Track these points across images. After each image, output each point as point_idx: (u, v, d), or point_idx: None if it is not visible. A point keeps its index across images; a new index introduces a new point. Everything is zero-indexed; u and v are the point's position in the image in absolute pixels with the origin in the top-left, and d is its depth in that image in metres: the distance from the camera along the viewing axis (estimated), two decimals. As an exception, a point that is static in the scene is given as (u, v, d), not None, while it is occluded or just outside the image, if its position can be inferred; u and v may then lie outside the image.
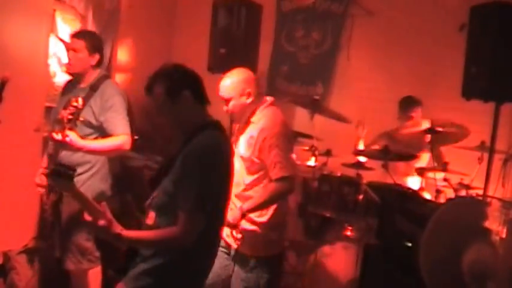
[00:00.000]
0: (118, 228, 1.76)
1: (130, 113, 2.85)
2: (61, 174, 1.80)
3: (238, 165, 2.48)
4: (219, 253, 2.55)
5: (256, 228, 2.53)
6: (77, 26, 4.03)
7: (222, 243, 2.53)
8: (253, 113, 2.57)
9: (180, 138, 1.96)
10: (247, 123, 2.59)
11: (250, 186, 2.54)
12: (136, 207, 2.01)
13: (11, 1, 3.38)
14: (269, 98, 2.65)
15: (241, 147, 2.57)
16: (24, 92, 3.26)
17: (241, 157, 2.54)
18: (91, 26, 4.25)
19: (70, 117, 2.47)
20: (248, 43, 3.67)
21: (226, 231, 2.51)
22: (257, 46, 3.77)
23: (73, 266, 2.85)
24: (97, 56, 2.83)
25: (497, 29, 2.62)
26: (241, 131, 2.62)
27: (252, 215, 2.50)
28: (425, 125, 3.17)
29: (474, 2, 2.87)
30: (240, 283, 2.56)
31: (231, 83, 2.53)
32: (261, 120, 2.55)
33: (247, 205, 2.45)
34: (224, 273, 2.61)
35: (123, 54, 4.76)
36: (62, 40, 3.94)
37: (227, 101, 2.53)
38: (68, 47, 2.87)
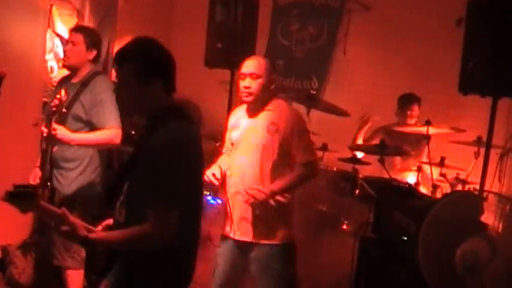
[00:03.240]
0: (83, 232, 1.66)
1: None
2: (21, 196, 1.66)
3: (247, 156, 2.50)
4: (230, 253, 2.58)
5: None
6: (73, 22, 4.02)
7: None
8: (267, 101, 2.56)
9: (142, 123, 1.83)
10: (261, 110, 2.55)
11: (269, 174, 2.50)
12: (108, 204, 1.87)
13: (7, -4, 3.37)
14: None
15: (256, 134, 2.52)
16: (21, 87, 3.27)
17: (258, 145, 2.49)
18: (88, 21, 4.24)
19: (54, 109, 2.48)
20: (245, 38, 3.65)
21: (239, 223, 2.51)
22: (254, 41, 3.76)
23: (57, 262, 2.86)
24: (94, 52, 2.85)
25: (494, 23, 2.60)
26: (252, 114, 2.58)
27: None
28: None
29: (471, -4, 2.87)
30: (271, 274, 2.53)
31: (265, 63, 2.55)
32: (279, 109, 2.55)
33: (275, 186, 2.45)
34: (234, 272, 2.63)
35: (120, 50, 4.75)
36: (58, 35, 3.94)
37: (256, 77, 2.48)
38: (67, 40, 2.89)
